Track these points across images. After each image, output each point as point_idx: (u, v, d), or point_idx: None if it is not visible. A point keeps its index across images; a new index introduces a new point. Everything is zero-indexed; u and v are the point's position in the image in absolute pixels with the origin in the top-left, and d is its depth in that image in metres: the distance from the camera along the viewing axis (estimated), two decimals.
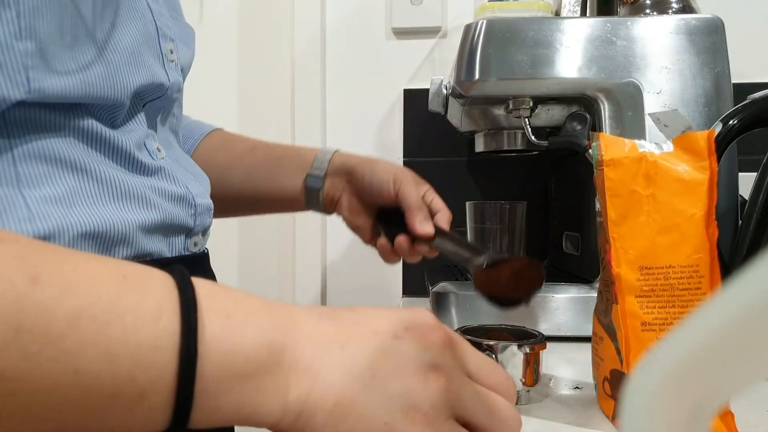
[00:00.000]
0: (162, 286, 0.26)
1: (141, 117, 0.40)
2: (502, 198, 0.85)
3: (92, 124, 0.34)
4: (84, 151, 0.34)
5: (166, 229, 0.40)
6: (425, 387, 0.28)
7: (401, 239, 0.59)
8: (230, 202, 0.63)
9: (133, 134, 0.38)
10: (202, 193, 0.45)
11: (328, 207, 0.64)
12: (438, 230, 0.58)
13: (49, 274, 0.23)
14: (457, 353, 0.30)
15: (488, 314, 0.55)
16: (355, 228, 0.64)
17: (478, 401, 0.29)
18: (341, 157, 0.63)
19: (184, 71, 0.47)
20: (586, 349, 0.49)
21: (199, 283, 0.27)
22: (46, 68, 0.30)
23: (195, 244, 0.45)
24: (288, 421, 0.27)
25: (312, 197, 0.63)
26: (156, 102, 0.42)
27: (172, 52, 0.43)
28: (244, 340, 0.26)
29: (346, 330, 0.29)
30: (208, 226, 0.47)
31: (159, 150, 0.41)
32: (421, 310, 0.31)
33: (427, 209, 0.59)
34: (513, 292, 0.52)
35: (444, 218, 0.59)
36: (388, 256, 0.61)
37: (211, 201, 0.47)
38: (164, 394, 0.24)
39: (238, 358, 0.26)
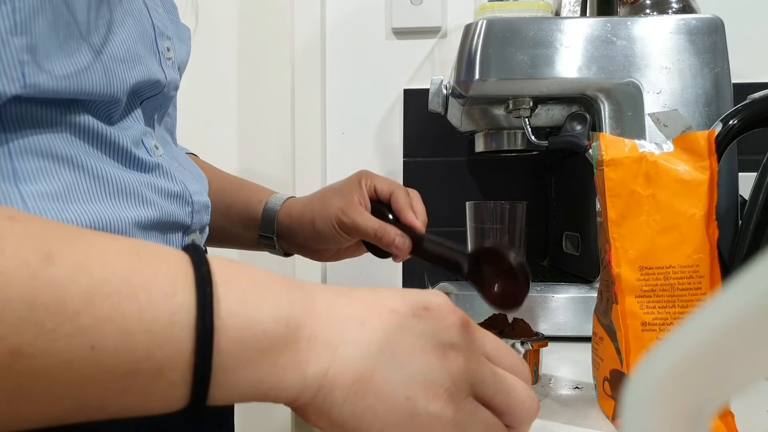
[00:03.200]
0: (176, 262, 0.26)
1: (138, 114, 0.40)
2: (502, 198, 0.85)
3: (89, 120, 0.34)
4: (81, 147, 0.34)
5: (163, 226, 0.40)
6: (445, 364, 0.28)
7: (393, 258, 0.59)
8: None
9: (130, 131, 0.38)
10: (199, 191, 0.45)
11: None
12: (417, 240, 0.56)
13: (62, 251, 0.23)
14: (475, 335, 0.30)
15: (488, 314, 0.55)
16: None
17: (497, 381, 0.30)
18: (286, 218, 0.62)
19: (181, 69, 0.47)
20: (586, 349, 0.49)
21: (214, 260, 0.27)
22: (37, 66, 0.30)
23: (192, 242, 0.44)
24: (307, 397, 0.27)
25: (271, 251, 0.65)
26: (153, 99, 0.42)
27: (169, 50, 0.43)
28: (261, 314, 0.26)
29: (365, 307, 0.29)
30: (206, 224, 0.47)
31: (157, 147, 0.41)
32: (437, 292, 0.31)
33: (394, 214, 0.58)
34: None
35: (406, 209, 0.57)
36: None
37: (208, 199, 0.47)
38: (182, 370, 0.24)
39: (256, 332, 0.25)
